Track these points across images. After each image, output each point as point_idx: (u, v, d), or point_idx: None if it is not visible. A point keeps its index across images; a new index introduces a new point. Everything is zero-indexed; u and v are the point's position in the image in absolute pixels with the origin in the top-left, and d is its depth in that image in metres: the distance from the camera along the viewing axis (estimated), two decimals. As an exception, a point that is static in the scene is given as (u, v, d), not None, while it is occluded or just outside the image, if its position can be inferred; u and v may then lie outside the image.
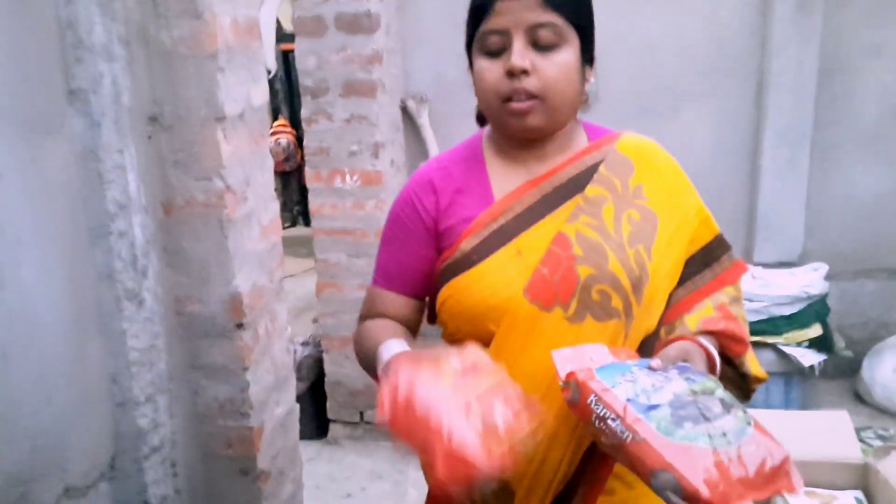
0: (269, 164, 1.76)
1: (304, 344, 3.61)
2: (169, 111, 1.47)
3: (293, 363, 3.42)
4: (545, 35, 1.10)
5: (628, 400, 0.96)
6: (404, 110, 3.67)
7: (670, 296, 1.23)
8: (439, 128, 3.62)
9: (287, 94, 8.82)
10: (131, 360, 1.43)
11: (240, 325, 1.59)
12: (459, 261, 1.18)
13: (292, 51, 3.33)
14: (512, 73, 1.11)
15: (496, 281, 1.16)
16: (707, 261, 1.25)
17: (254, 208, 1.66)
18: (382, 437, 3.45)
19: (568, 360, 1.06)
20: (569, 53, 1.13)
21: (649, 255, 1.16)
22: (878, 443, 2.90)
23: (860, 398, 3.67)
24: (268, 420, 1.73)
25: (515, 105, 1.13)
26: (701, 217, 1.25)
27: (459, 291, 1.18)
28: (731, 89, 3.58)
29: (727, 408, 0.97)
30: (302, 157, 7.96)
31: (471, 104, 1.27)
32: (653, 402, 0.96)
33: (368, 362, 1.21)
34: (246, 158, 1.61)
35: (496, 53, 1.13)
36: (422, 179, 1.27)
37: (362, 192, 3.28)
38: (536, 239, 1.17)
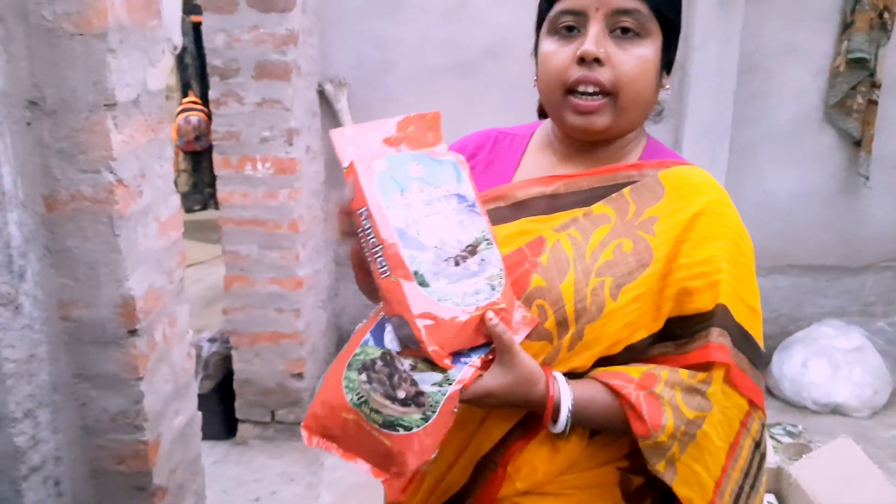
0: (169, 154, 1.64)
1: (212, 340, 3.46)
2: (52, 95, 1.34)
3: (199, 361, 3.28)
4: (627, 23, 0.99)
5: (398, 230, 0.91)
6: (321, 94, 3.53)
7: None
8: (358, 113, 3.46)
9: (198, 69, 8.45)
10: (6, 373, 1.30)
11: (133, 332, 1.48)
12: None
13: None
14: (583, 60, 0.99)
15: None
16: (679, 333, 1.03)
17: (150, 203, 1.54)
18: (295, 437, 3.35)
19: (350, 141, 0.96)
20: (649, 49, 1.01)
21: (615, 294, 1.01)
22: (787, 439, 2.96)
23: (770, 392, 3.76)
24: (165, 432, 1.63)
25: (581, 102, 1.01)
26: (710, 278, 1.01)
27: None
28: (652, 84, 3.57)
29: (483, 267, 0.96)
30: (214, 137, 7.68)
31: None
32: (422, 240, 0.92)
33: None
34: (141, 149, 1.49)
35: (567, 37, 1.02)
36: (465, 143, 1.23)
37: (275, 181, 3.13)
38: (516, 233, 1.07)
